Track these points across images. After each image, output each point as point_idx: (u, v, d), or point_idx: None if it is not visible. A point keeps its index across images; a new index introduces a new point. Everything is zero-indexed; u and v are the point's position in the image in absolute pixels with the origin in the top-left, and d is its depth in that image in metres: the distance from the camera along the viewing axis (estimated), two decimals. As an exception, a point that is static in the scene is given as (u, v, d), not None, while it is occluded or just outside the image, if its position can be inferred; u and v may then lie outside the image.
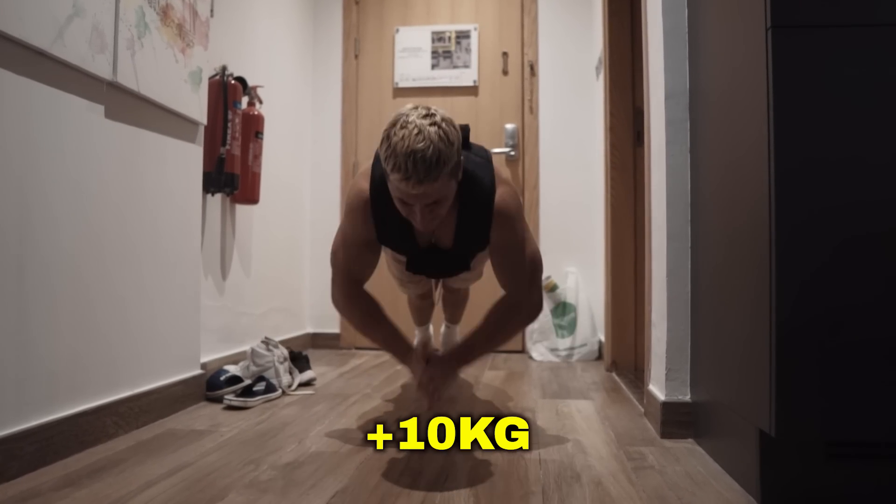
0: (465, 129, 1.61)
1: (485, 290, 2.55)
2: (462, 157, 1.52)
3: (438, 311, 2.88)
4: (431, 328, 2.70)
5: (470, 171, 1.60)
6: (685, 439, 1.74)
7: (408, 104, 1.47)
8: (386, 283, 3.68)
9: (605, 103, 2.96)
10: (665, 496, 1.32)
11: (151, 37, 1.89)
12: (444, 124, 1.40)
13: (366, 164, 1.74)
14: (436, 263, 1.78)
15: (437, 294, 2.53)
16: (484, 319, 1.74)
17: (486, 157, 1.68)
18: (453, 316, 2.59)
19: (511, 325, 1.75)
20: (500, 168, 1.67)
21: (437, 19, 3.73)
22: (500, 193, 1.63)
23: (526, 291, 1.73)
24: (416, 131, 1.36)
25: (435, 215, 1.48)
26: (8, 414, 1.42)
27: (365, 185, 1.65)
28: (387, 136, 1.40)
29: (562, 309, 3.39)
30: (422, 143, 1.35)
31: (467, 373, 2.82)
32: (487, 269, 2.00)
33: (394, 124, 1.40)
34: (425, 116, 1.39)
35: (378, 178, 1.61)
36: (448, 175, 1.42)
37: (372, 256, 1.75)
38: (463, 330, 2.90)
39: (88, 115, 1.68)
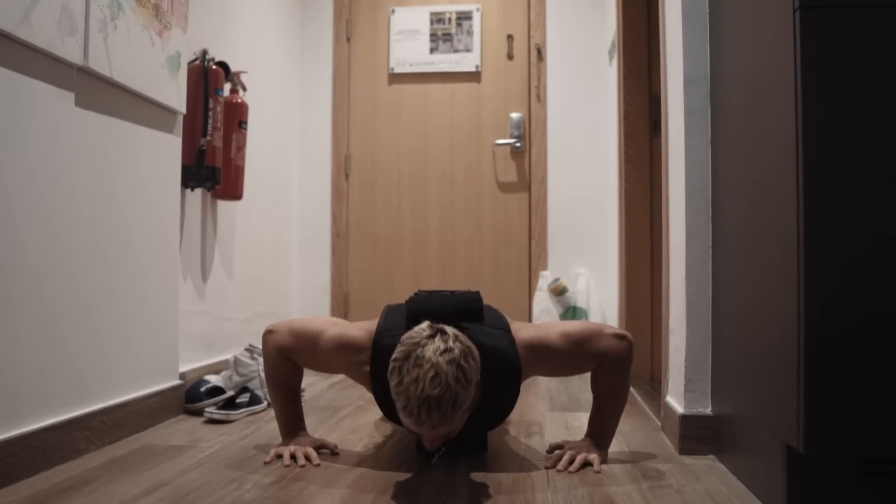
0: (476, 302, 1.60)
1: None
2: (471, 332, 1.50)
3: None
4: None
5: (490, 346, 1.54)
6: (706, 455, 1.74)
7: (423, 326, 1.42)
8: (382, 278, 3.69)
9: (619, 90, 2.96)
10: (684, 518, 1.32)
11: (125, 18, 1.89)
12: (462, 360, 1.36)
13: (368, 324, 1.68)
14: (454, 446, 1.68)
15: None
16: (597, 397, 1.71)
17: (501, 326, 1.63)
18: None
19: (616, 379, 1.69)
20: (520, 329, 1.67)
21: (437, -1, 3.73)
22: (523, 351, 1.60)
23: (604, 352, 1.66)
24: (431, 374, 1.32)
25: (446, 439, 1.46)
26: (-31, 428, 1.42)
27: (363, 358, 1.61)
28: (398, 371, 1.36)
29: (572, 313, 3.39)
30: (437, 389, 1.32)
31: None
32: None
33: (406, 358, 1.36)
34: (443, 352, 1.35)
35: (380, 358, 1.54)
36: (464, 413, 1.40)
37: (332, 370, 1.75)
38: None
39: (57, 102, 1.68)
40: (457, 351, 1.37)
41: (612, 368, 1.66)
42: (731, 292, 1.62)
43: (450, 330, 1.42)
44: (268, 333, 1.74)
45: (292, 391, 1.77)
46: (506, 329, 1.63)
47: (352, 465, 1.67)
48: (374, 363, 1.59)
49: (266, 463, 1.67)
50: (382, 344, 1.57)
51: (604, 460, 1.68)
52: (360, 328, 1.67)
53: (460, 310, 1.59)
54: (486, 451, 1.77)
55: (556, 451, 1.71)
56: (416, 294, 1.70)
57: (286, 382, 1.75)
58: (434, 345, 1.37)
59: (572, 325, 1.70)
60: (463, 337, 1.42)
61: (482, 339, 1.54)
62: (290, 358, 1.72)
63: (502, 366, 1.57)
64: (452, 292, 1.71)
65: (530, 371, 1.65)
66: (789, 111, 1.23)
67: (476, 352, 1.43)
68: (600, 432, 1.72)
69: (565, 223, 3.59)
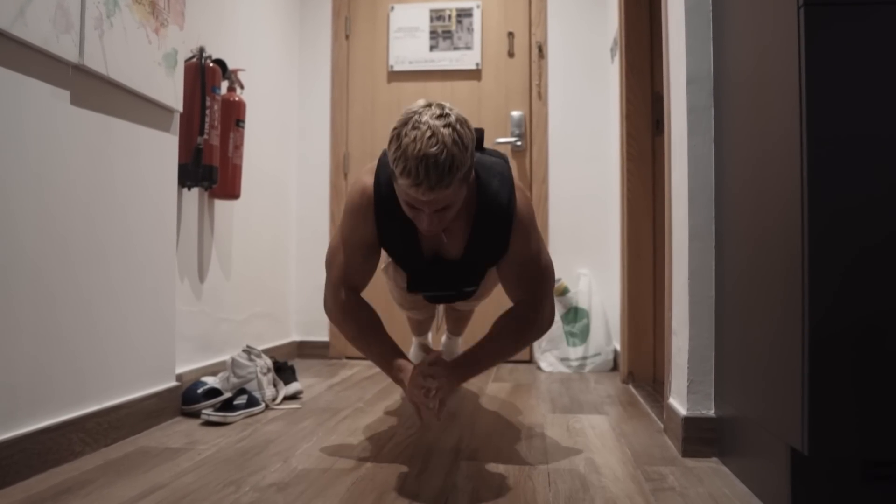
0: (480, 132, 1.62)
1: (490, 300, 2.55)
2: (475, 161, 1.53)
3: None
4: (430, 338, 2.70)
5: (486, 178, 1.61)
6: (709, 458, 1.74)
7: (420, 100, 1.48)
8: (381, 278, 3.68)
9: (621, 88, 2.96)
10: (687, 521, 1.32)
11: (122, 15, 1.89)
12: (458, 126, 1.41)
13: (368, 165, 1.73)
14: (441, 280, 1.77)
15: (440, 317, 2.53)
16: (492, 331, 1.74)
17: (502, 158, 1.69)
18: (456, 328, 2.60)
19: (522, 338, 1.76)
20: (522, 197, 1.71)
21: (436, -4, 3.74)
22: (519, 200, 1.64)
23: (540, 304, 1.74)
24: (428, 134, 1.37)
25: (442, 220, 1.50)
26: (-36, 430, 1.42)
27: (369, 183, 1.66)
28: (396, 136, 1.41)
29: (573, 315, 3.39)
30: (435, 148, 1.36)
31: (471, 383, 2.82)
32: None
33: (404, 123, 1.41)
34: (439, 117, 1.41)
35: (385, 178, 1.62)
36: (460, 180, 1.44)
37: (371, 262, 1.76)
38: (466, 342, 2.90)
39: (52, 101, 1.68)
40: (453, 117, 1.42)
41: (523, 326, 1.72)
42: (734, 292, 1.62)
43: (446, 103, 1.47)
44: (325, 302, 1.79)
45: (377, 328, 1.76)
46: (506, 161, 1.68)
47: (351, 467, 1.68)
48: (377, 182, 1.62)
49: (423, 418, 1.69)
50: (382, 174, 1.62)
51: (452, 390, 1.68)
52: (357, 183, 1.70)
53: None
54: (476, 288, 1.82)
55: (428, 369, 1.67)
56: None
57: (371, 325, 1.75)
58: (431, 111, 1.42)
59: (549, 263, 1.76)
60: (458, 110, 1.47)
61: (481, 167, 1.60)
62: (354, 298, 1.74)
63: (497, 197, 1.62)
64: None
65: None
66: (793, 109, 1.23)
67: (471, 125, 1.48)
68: (476, 361, 1.72)
69: (567, 223, 3.59)
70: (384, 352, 1.74)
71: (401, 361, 1.72)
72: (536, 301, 1.73)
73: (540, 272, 1.73)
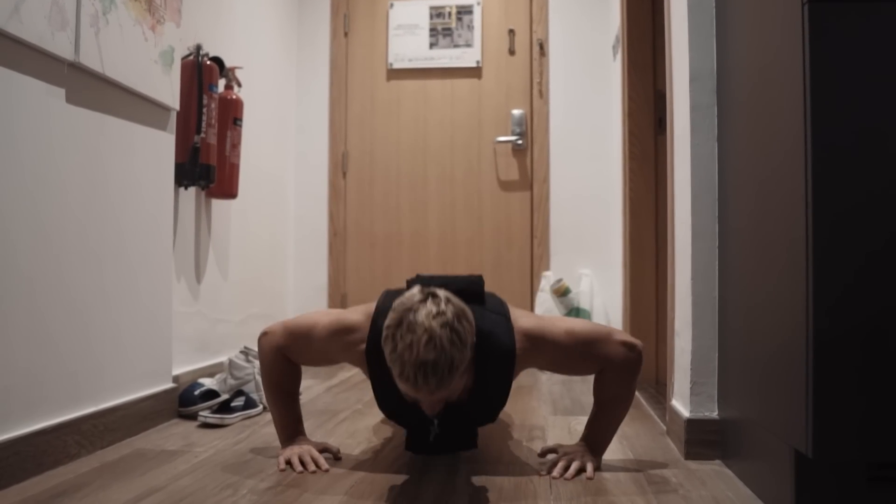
0: (478, 284, 1.61)
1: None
2: (474, 347, 1.50)
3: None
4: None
5: (486, 331, 1.55)
6: (712, 460, 1.74)
7: (414, 290, 1.43)
8: (381, 279, 3.68)
9: (623, 86, 2.96)
10: (690, 524, 1.32)
11: (118, 12, 1.89)
12: (456, 322, 1.37)
13: (357, 314, 1.70)
14: (443, 440, 1.70)
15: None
16: (598, 403, 1.71)
17: (501, 312, 1.63)
18: None
19: (623, 386, 1.68)
20: (521, 318, 1.67)
21: (436, -7, 3.73)
22: (520, 339, 1.60)
23: (613, 357, 1.64)
24: (425, 338, 1.33)
25: (445, 404, 1.48)
26: (-43, 432, 1.42)
27: (360, 337, 1.62)
28: (391, 338, 1.37)
29: (575, 315, 3.39)
30: (433, 354, 1.33)
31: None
32: None
33: (398, 324, 1.37)
34: (436, 315, 1.36)
35: (378, 338, 1.51)
36: (461, 375, 1.41)
37: (329, 363, 1.77)
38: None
39: (47, 99, 1.68)
40: (450, 314, 1.37)
41: (617, 376, 1.65)
42: (738, 293, 1.62)
43: (441, 293, 1.42)
44: (262, 336, 1.74)
45: (291, 394, 1.77)
46: (505, 316, 1.63)
47: (349, 470, 1.67)
48: (371, 342, 1.58)
49: (282, 470, 1.65)
50: (380, 322, 1.55)
51: (597, 467, 1.67)
52: (357, 311, 1.68)
53: (462, 290, 1.57)
54: (476, 447, 1.76)
55: (550, 456, 1.70)
56: (416, 276, 1.69)
57: (284, 384, 1.75)
58: (426, 308, 1.37)
59: (580, 324, 1.68)
60: (455, 299, 1.43)
61: (480, 323, 1.54)
62: (287, 357, 1.72)
63: (496, 352, 1.57)
64: (455, 277, 1.71)
65: (526, 362, 1.64)
66: (797, 107, 1.23)
67: (469, 314, 1.44)
68: (597, 439, 1.71)
69: (568, 222, 3.59)
70: (285, 417, 1.76)
71: (292, 431, 1.76)
72: (603, 361, 1.64)
73: (584, 345, 1.64)
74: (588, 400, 2.59)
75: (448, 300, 1.41)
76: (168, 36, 2.15)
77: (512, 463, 1.74)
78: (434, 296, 1.41)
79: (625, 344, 1.64)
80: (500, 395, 1.64)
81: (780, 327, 1.33)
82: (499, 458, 1.78)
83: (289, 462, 1.68)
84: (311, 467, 1.65)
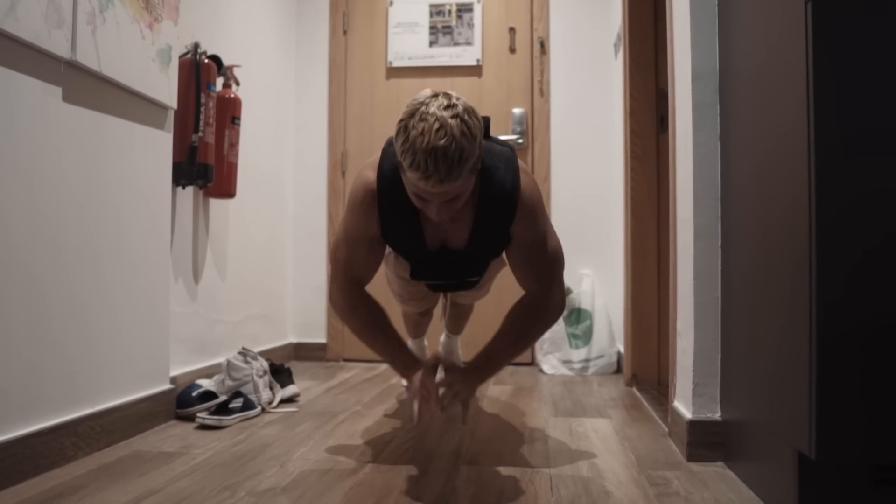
0: (487, 120, 1.63)
1: (492, 300, 2.54)
2: (482, 149, 1.55)
3: (434, 324, 2.88)
4: (426, 341, 2.70)
5: (490, 164, 1.62)
6: (714, 462, 1.75)
7: (426, 89, 1.49)
8: (380, 279, 3.68)
9: (625, 85, 2.96)
10: (692, 526, 1.32)
11: (115, 10, 1.89)
12: (466, 116, 1.42)
13: (372, 157, 1.75)
14: (445, 269, 1.79)
15: (442, 310, 2.53)
16: (504, 325, 1.76)
17: (507, 146, 1.70)
18: (455, 326, 2.60)
19: (536, 328, 1.78)
20: (525, 176, 1.73)
21: (436, -10, 3.73)
22: (523, 184, 1.65)
23: (550, 291, 1.76)
24: (437, 126, 1.38)
25: (451, 209, 1.52)
26: (-47, 434, 1.42)
27: (372, 175, 1.67)
28: (404, 129, 1.41)
29: (576, 316, 3.39)
30: (444, 140, 1.37)
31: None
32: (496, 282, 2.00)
33: (412, 115, 1.42)
34: (447, 107, 1.41)
35: (388, 170, 1.63)
36: (469, 171, 1.45)
37: (375, 256, 1.78)
38: (464, 341, 2.90)
39: (44, 97, 1.68)
40: (460, 107, 1.43)
41: (536, 311, 1.74)
42: (740, 293, 1.62)
43: (452, 92, 1.47)
44: (333, 304, 1.80)
45: (386, 327, 1.78)
46: (511, 149, 1.69)
47: (349, 471, 1.68)
48: (381, 167, 1.63)
49: (420, 419, 1.67)
50: (386, 166, 1.63)
51: (472, 395, 1.71)
52: (360, 177, 1.71)
53: None
54: (480, 278, 1.83)
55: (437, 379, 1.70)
56: None
57: (378, 321, 1.77)
58: (438, 101, 1.43)
59: (559, 248, 1.79)
60: (464, 99, 1.47)
61: (486, 154, 1.61)
62: (359, 293, 1.76)
63: (501, 183, 1.63)
64: None
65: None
66: (801, 105, 1.23)
67: (478, 114, 1.48)
68: (493, 359, 1.75)
69: (569, 222, 3.59)
70: (390, 347, 1.78)
71: (407, 357, 1.77)
72: (545, 287, 1.74)
73: (546, 257, 1.74)
74: (588, 401, 2.60)
75: (458, 97, 1.46)
76: (165, 34, 2.15)
77: (513, 464, 1.74)
78: (445, 93, 1.46)
79: (562, 297, 1.78)
80: (503, 224, 1.68)
81: (783, 327, 1.33)
82: (499, 460, 1.78)
83: (426, 396, 1.67)
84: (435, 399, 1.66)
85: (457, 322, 2.58)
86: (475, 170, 1.50)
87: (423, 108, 1.41)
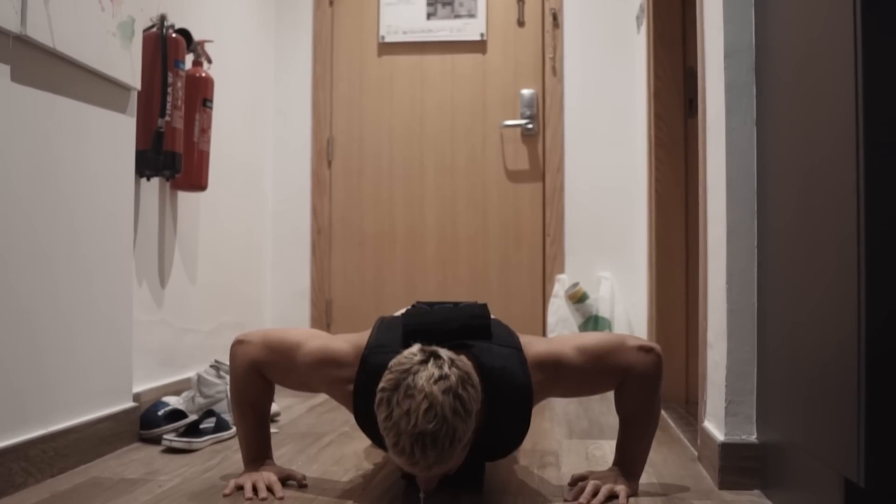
0: (483, 317, 1.62)
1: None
2: (478, 350, 1.54)
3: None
4: None
5: (497, 368, 1.57)
6: (750, 490, 1.74)
7: (414, 348, 1.45)
8: (371, 283, 3.68)
9: (649, 63, 2.96)
10: (724, 564, 1.32)
11: (70, -22, 1.88)
12: (460, 388, 1.38)
13: (355, 337, 1.70)
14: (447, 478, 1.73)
15: None
16: (623, 420, 1.73)
17: (512, 345, 1.65)
18: None
19: (648, 400, 1.71)
20: (531, 344, 1.68)
21: (435, -44, 3.73)
22: (535, 371, 1.61)
23: (626, 362, 1.67)
24: (425, 406, 1.35)
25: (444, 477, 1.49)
26: None
27: (347, 375, 1.63)
28: (387, 402, 1.39)
29: (593, 324, 3.39)
30: (433, 424, 1.34)
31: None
32: None
33: (395, 388, 1.38)
34: (438, 380, 1.37)
35: (376, 369, 1.53)
36: (463, 449, 1.42)
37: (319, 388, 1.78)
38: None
39: (-11, 77, 1.68)
40: (453, 378, 1.38)
41: (639, 386, 1.68)
42: (779, 299, 1.62)
43: (444, 354, 1.43)
44: (237, 344, 1.75)
45: (261, 413, 1.78)
46: (516, 348, 1.64)
47: (335, 499, 1.67)
48: (359, 382, 1.59)
49: (225, 495, 1.67)
50: (372, 361, 1.57)
51: (633, 492, 1.68)
52: (346, 341, 1.69)
53: (465, 326, 1.61)
54: (482, 487, 1.77)
55: (580, 483, 1.71)
56: (413, 306, 1.71)
57: (255, 403, 1.76)
58: (427, 372, 1.38)
59: (590, 338, 1.72)
60: (459, 361, 1.44)
61: (489, 360, 1.56)
62: (262, 374, 1.73)
63: (511, 391, 1.58)
64: (456, 304, 1.74)
65: (542, 394, 1.67)
66: (848, 86, 1.23)
67: (475, 378, 1.45)
68: (628, 460, 1.73)
69: (585, 218, 3.59)
70: (251, 433, 1.78)
71: (261, 455, 1.78)
72: (625, 370, 1.66)
73: (598, 360, 1.66)
74: (607, 420, 2.60)
75: (452, 362, 1.42)
76: (128, 5, 2.15)
77: (521, 493, 1.74)
78: (436, 356, 1.42)
79: (641, 349, 1.67)
80: (517, 433, 1.66)
81: (828, 339, 1.32)
82: (505, 489, 1.78)
83: (240, 487, 1.69)
84: (263, 493, 1.66)
85: None
86: (471, 441, 1.46)
87: (410, 378, 1.38)
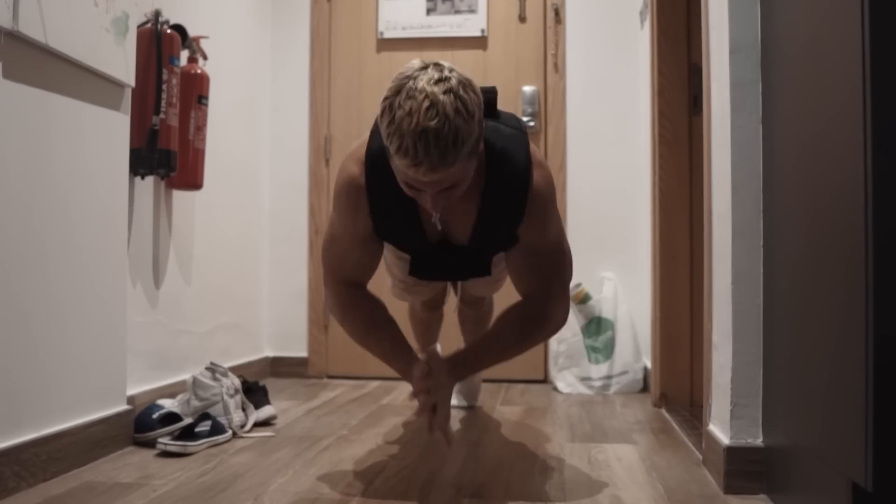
0: (491, 93, 1.63)
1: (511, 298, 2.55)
2: (484, 128, 1.54)
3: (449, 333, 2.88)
4: (440, 347, 2.70)
5: (499, 147, 1.62)
6: (756, 495, 1.74)
7: (414, 60, 1.48)
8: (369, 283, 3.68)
9: (653, 59, 2.96)
10: (730, 569, 1.32)
11: (63, -27, 1.89)
12: (461, 90, 1.41)
13: (358, 139, 1.77)
14: (447, 266, 1.80)
15: (454, 299, 2.53)
16: (495, 326, 1.78)
17: (518, 127, 1.70)
18: (473, 332, 2.60)
19: (532, 337, 1.80)
20: (537, 158, 1.74)
21: (434, -50, 3.73)
22: (537, 176, 1.65)
23: (555, 300, 1.77)
24: (426, 104, 1.37)
25: (449, 199, 1.52)
26: None
27: (357, 168, 1.67)
28: (389, 108, 1.41)
29: (596, 326, 3.39)
30: (435, 121, 1.36)
31: (482, 401, 2.82)
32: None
33: (397, 91, 1.41)
34: (438, 81, 1.40)
35: (376, 156, 1.63)
36: (467, 154, 1.44)
37: (371, 253, 1.80)
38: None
39: (-19, 74, 1.68)
40: (454, 80, 1.42)
41: (539, 322, 1.75)
42: (786, 299, 1.62)
43: (445, 63, 1.46)
44: (328, 304, 1.83)
45: (378, 324, 1.81)
46: (522, 130, 1.68)
47: (333, 506, 1.68)
48: (368, 154, 1.64)
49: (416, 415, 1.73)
50: (374, 148, 1.63)
51: (444, 398, 1.71)
52: (344, 167, 1.72)
53: None
54: (490, 275, 1.85)
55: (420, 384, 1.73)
56: None
57: (375, 319, 1.80)
58: (428, 75, 1.41)
59: (568, 252, 1.80)
60: (459, 69, 1.47)
61: (493, 137, 1.61)
62: (355, 288, 1.79)
63: (511, 169, 1.62)
64: None
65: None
66: (856, 83, 1.23)
67: (476, 86, 1.47)
68: (477, 356, 1.78)
69: (588, 218, 3.59)
70: (393, 349, 1.80)
71: (407, 356, 1.79)
72: (551, 296, 1.74)
73: (556, 261, 1.75)
74: (611, 424, 2.60)
75: (452, 69, 1.45)
76: (122, 0, 2.15)
77: (523, 498, 1.74)
78: (437, 64, 1.45)
79: (566, 309, 1.78)
80: (513, 214, 1.67)
81: (835, 340, 1.32)
82: (507, 492, 1.78)
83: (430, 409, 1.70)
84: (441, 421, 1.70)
85: (475, 328, 2.57)
86: (475, 153, 1.49)
87: (411, 83, 1.40)
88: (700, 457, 2.08)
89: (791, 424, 1.58)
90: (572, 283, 3.43)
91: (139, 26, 2.33)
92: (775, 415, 1.70)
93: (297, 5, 3.78)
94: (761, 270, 1.78)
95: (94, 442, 2.05)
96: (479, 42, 3.70)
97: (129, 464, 2.03)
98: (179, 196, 2.78)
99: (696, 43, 2.84)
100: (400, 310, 2.42)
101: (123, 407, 2.23)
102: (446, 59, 3.79)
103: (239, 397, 2.44)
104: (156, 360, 2.60)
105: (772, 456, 1.72)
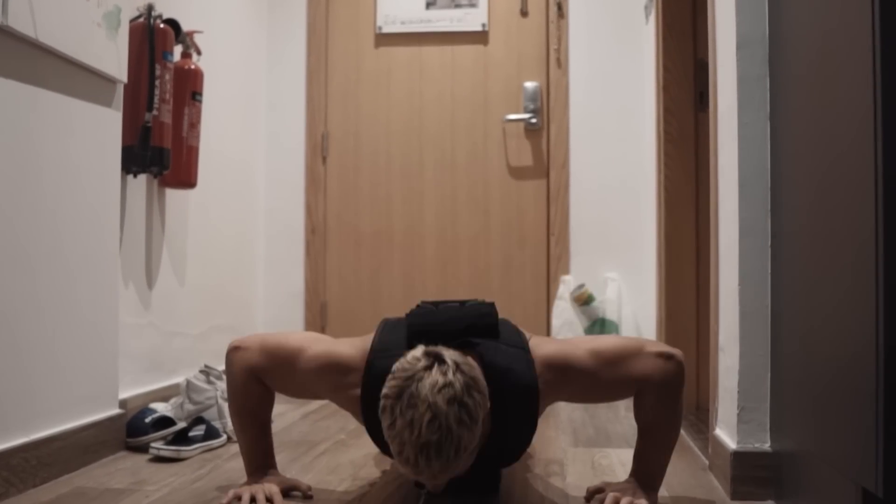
0: (490, 315, 1.63)
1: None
2: (485, 350, 1.55)
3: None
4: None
5: (503, 368, 1.58)
6: (764, 501, 1.74)
7: (417, 351, 1.45)
8: (367, 284, 3.69)
9: (658, 54, 2.96)
10: (737, 577, 1.32)
11: (53, -34, 1.88)
12: (466, 396, 1.39)
13: (360, 341, 1.72)
14: (460, 483, 1.70)
15: None
16: (641, 430, 1.72)
17: (519, 345, 1.66)
18: None
19: (668, 409, 1.69)
20: (540, 345, 1.70)
21: (434, -57, 3.74)
22: (542, 371, 1.62)
23: (644, 369, 1.66)
24: (428, 416, 1.35)
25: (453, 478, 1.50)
26: None
27: (355, 376, 1.64)
28: (389, 411, 1.39)
29: (599, 327, 3.39)
30: (437, 435, 1.35)
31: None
32: None
33: (399, 395, 1.39)
34: (441, 388, 1.37)
35: (374, 384, 1.55)
36: (469, 455, 1.43)
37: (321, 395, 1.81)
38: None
39: (-31, 69, 1.68)
40: (458, 385, 1.39)
41: (657, 396, 1.66)
42: (794, 302, 1.62)
43: (449, 357, 1.43)
44: (234, 350, 1.75)
45: (262, 421, 1.79)
46: (523, 348, 1.65)
47: (330, 512, 1.68)
48: (366, 388, 1.60)
49: None
50: (378, 365, 1.58)
51: None
52: (350, 345, 1.70)
53: (472, 326, 1.62)
54: (499, 493, 1.78)
55: (597, 496, 1.71)
56: (418, 306, 1.71)
57: (255, 411, 1.77)
58: (431, 379, 1.38)
59: (606, 341, 1.71)
60: (465, 364, 1.44)
61: (496, 359, 1.57)
62: (261, 381, 1.74)
63: (516, 391, 1.59)
64: (462, 303, 1.74)
65: (551, 396, 1.67)
66: (865, 79, 1.23)
67: (482, 383, 1.45)
68: (647, 471, 1.72)
69: (591, 217, 3.59)
70: (253, 442, 1.79)
71: (263, 465, 1.79)
72: (644, 378, 1.65)
73: (614, 365, 1.66)
74: (614, 428, 2.60)
75: (457, 367, 1.41)
76: (114, -6, 2.15)
77: (524, 503, 1.74)
78: (440, 361, 1.41)
79: (661, 355, 1.65)
80: (523, 435, 1.67)
81: (845, 343, 1.32)
82: (508, 498, 1.78)
83: (239, 498, 1.69)
84: None
85: None
86: (479, 445, 1.47)
87: (414, 387, 1.38)
88: (706, 462, 2.08)
89: (800, 429, 1.58)
90: (575, 283, 3.46)
91: (131, 21, 2.33)
92: (784, 419, 1.69)
93: (294, -1, 3.78)
94: (769, 271, 1.78)
95: (85, 447, 2.05)
96: (480, 37, 3.70)
97: (122, 469, 2.03)
98: (173, 195, 2.78)
99: (703, 37, 2.83)
100: (400, 309, 2.42)
101: (115, 411, 2.22)
102: (445, 55, 3.81)
103: (234, 401, 2.44)
104: (148, 363, 2.60)
105: (780, 461, 1.72)
